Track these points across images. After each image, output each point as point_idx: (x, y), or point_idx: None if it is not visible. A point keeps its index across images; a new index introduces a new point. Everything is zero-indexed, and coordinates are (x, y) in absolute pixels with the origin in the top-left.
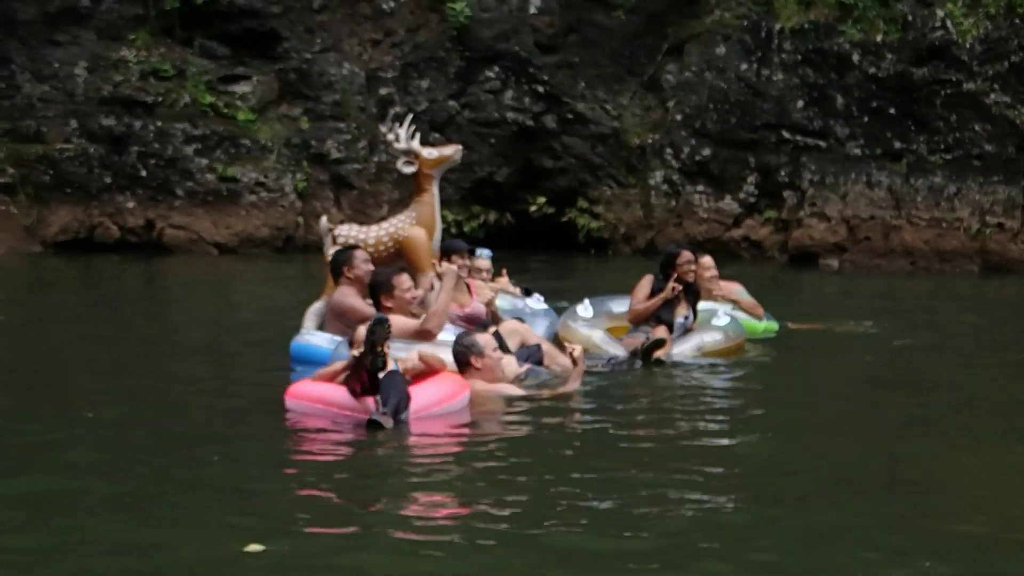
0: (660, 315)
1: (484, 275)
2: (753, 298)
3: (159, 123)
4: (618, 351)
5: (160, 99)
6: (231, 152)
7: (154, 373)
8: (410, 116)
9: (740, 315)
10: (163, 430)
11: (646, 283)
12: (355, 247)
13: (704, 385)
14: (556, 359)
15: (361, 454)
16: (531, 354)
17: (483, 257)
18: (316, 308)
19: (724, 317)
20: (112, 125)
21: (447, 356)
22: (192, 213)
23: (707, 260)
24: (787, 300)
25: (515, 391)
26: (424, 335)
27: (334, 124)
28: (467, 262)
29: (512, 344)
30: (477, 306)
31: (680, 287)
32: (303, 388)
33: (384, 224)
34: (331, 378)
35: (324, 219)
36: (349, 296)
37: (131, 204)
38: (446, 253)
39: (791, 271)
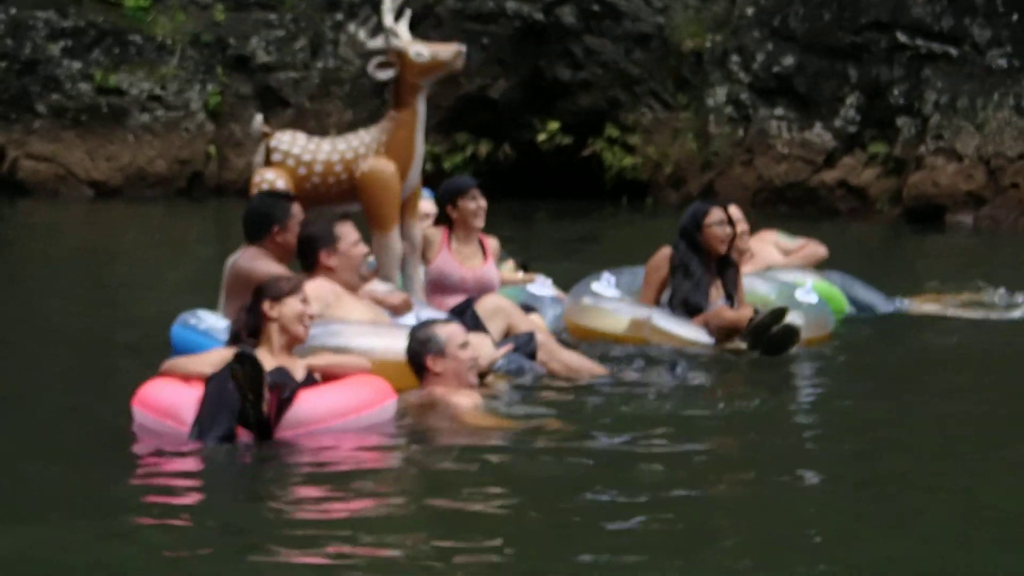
0: (689, 299)
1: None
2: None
3: (12, 11)
4: (697, 335)
5: None
6: (115, 53)
7: None
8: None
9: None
10: None
11: (661, 262)
12: (292, 198)
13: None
14: (556, 355)
15: (214, 504)
16: (520, 345)
17: (426, 198)
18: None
19: (811, 294)
20: None
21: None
22: (59, 138)
23: (733, 211)
24: (899, 271)
25: (491, 396)
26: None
27: (261, 15)
28: (479, 203)
29: (494, 328)
30: (490, 270)
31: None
32: (153, 393)
33: (341, 143)
34: (191, 375)
35: (259, 118)
36: (260, 260)
37: None
38: (449, 197)
39: (907, 230)
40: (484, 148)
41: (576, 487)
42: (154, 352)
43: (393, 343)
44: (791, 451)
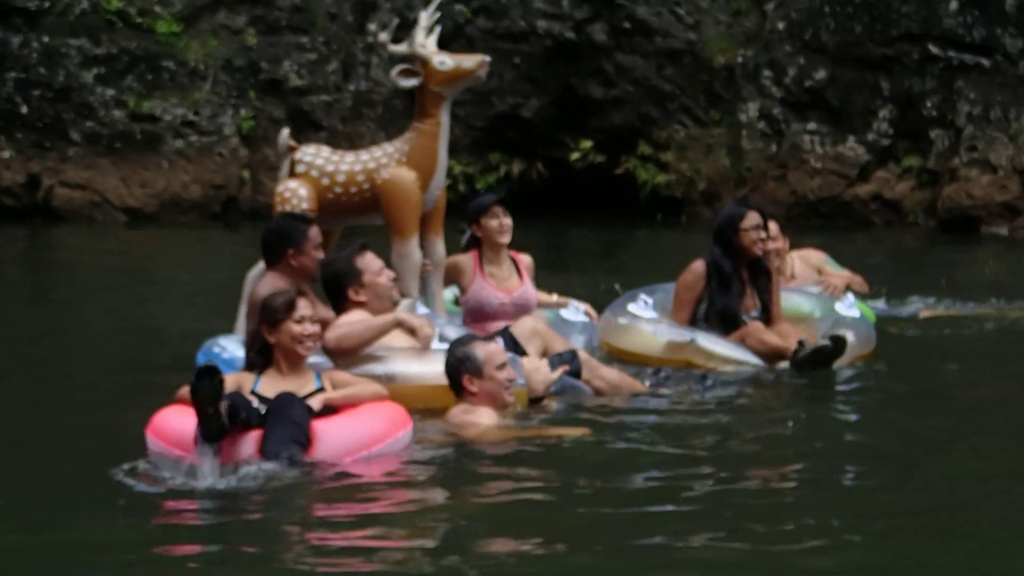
0: (726, 308)
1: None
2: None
3: (46, 38)
4: (743, 355)
5: (47, 4)
6: (148, 79)
7: (24, 389)
8: (433, 9)
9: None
10: None
11: (695, 280)
12: (310, 221)
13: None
14: (598, 372)
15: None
16: (564, 363)
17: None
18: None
19: (853, 308)
20: None
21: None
22: (93, 165)
23: (770, 228)
24: (933, 282)
25: (521, 427)
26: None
27: (293, 38)
28: (503, 220)
29: (532, 350)
30: (528, 290)
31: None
32: (164, 422)
33: (364, 154)
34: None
35: (285, 132)
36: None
37: (7, 153)
38: (472, 217)
39: (942, 242)
40: (517, 167)
41: (604, 505)
42: (182, 378)
43: (438, 368)
44: (837, 469)
